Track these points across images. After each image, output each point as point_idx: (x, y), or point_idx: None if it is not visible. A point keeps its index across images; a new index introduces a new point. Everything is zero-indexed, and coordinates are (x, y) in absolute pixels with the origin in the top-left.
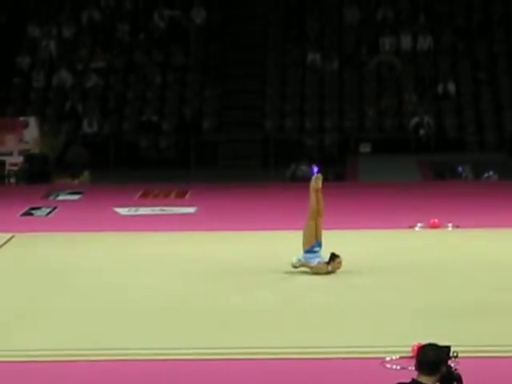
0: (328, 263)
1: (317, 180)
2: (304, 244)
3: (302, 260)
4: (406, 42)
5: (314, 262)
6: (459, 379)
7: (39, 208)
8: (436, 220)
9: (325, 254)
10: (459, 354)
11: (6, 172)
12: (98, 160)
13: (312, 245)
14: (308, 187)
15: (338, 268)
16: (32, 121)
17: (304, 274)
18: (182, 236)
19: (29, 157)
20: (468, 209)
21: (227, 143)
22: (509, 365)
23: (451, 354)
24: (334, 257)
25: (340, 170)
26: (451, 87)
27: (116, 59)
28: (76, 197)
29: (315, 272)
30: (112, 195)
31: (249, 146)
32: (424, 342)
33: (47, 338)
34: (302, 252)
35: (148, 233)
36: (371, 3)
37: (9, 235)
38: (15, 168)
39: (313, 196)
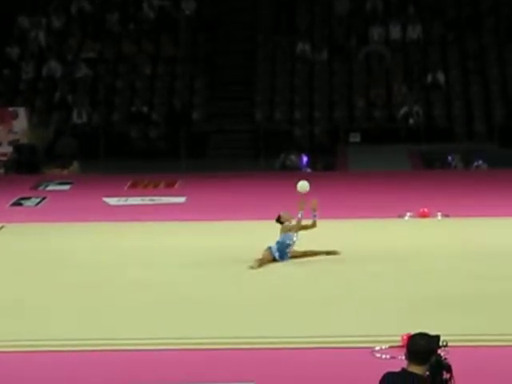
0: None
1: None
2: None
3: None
4: (395, 32)
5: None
6: (449, 368)
7: (29, 198)
8: (425, 209)
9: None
10: (448, 344)
11: None
12: (87, 150)
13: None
14: (298, 177)
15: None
16: (21, 111)
17: (294, 264)
18: (171, 226)
19: (18, 147)
20: (457, 198)
21: (217, 134)
22: (497, 353)
23: (441, 344)
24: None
25: (330, 160)
26: (440, 77)
27: (106, 49)
28: (66, 187)
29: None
30: (101, 185)
31: (239, 136)
32: (413, 331)
33: (36, 328)
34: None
35: (137, 223)
36: None
37: None
38: (4, 158)
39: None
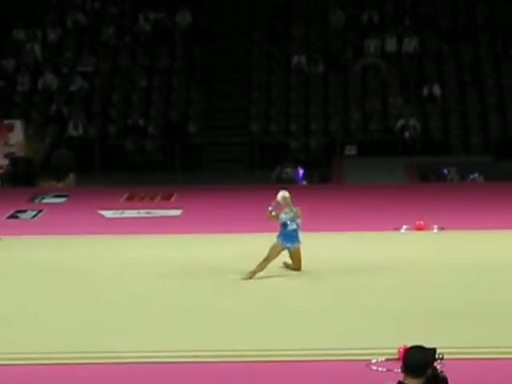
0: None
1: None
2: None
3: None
4: (391, 44)
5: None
6: (445, 381)
7: (25, 211)
8: (422, 222)
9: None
10: (444, 356)
11: None
12: (83, 163)
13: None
14: (293, 189)
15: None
16: (17, 124)
17: (290, 277)
18: (167, 238)
19: (14, 160)
20: (453, 211)
21: (213, 146)
22: (494, 366)
23: (437, 356)
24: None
25: (325, 173)
26: (436, 90)
27: (101, 62)
28: (62, 200)
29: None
30: (97, 198)
31: (234, 148)
32: (410, 344)
33: (33, 340)
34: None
35: (133, 235)
36: (356, 6)
37: None
38: (0, 171)
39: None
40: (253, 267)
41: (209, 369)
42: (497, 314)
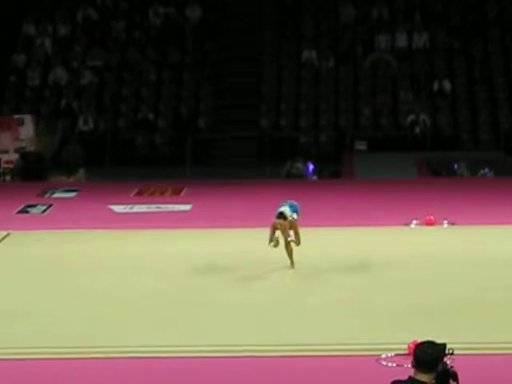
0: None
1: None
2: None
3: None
4: (401, 39)
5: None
6: (455, 376)
7: (35, 205)
8: (432, 217)
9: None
10: (455, 351)
11: (1, 170)
12: (93, 157)
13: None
14: (304, 185)
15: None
16: (27, 119)
17: (300, 271)
18: (177, 233)
19: (24, 154)
20: (464, 206)
21: (223, 141)
22: (503, 361)
23: (447, 352)
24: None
25: (335, 168)
26: (446, 85)
27: (111, 56)
28: (72, 194)
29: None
30: (107, 193)
31: (244, 143)
32: (420, 339)
33: (43, 335)
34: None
35: (144, 230)
36: (366, 1)
37: (5, 233)
38: (11, 166)
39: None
40: (263, 261)
41: (219, 363)
42: (508, 309)
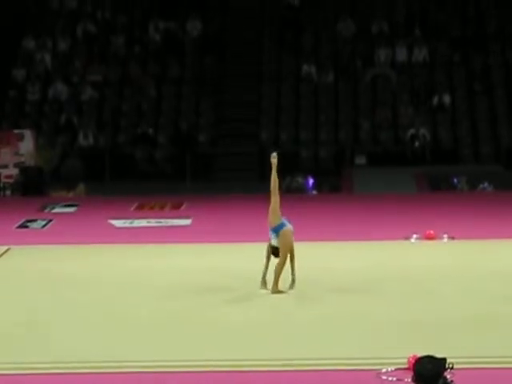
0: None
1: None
2: (272, 221)
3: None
4: (401, 53)
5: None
6: None
7: (35, 220)
8: (431, 231)
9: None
10: (455, 366)
11: (1, 184)
12: (93, 172)
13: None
14: (303, 199)
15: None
16: (27, 133)
17: (298, 287)
18: (177, 248)
19: (24, 169)
20: (463, 220)
21: (223, 155)
22: (504, 375)
23: (447, 366)
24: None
25: (335, 182)
26: (446, 99)
27: (111, 71)
28: (71, 209)
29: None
30: (107, 207)
31: (244, 158)
32: (420, 353)
33: (44, 350)
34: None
35: (143, 245)
36: (366, 16)
37: (4, 248)
38: (10, 180)
39: (274, 172)
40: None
41: (225, 378)
42: (509, 324)
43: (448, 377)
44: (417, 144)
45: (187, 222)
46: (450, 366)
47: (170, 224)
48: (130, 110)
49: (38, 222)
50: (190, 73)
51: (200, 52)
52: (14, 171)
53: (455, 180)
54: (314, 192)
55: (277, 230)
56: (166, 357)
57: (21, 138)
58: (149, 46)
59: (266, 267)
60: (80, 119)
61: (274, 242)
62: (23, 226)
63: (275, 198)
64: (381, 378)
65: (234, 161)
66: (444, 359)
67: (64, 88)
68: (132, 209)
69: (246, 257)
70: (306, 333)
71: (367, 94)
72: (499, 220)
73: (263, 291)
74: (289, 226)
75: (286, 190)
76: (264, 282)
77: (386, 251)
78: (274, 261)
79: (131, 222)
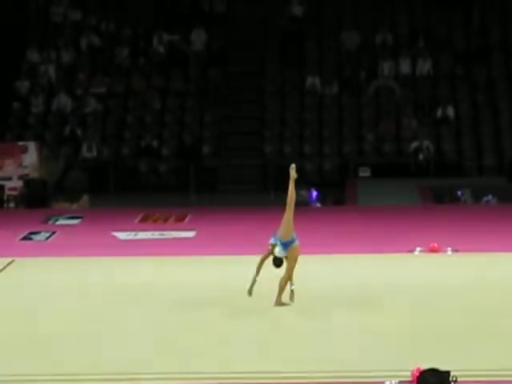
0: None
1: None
2: (284, 235)
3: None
4: (404, 66)
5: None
6: None
7: (39, 232)
8: (435, 244)
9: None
10: (458, 379)
11: (5, 197)
12: (97, 184)
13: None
14: (307, 211)
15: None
16: (31, 145)
17: (301, 299)
18: (181, 260)
19: (28, 181)
20: (467, 233)
21: (227, 168)
22: None
23: (451, 379)
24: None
25: (339, 195)
26: (450, 111)
27: (115, 84)
28: (75, 221)
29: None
30: (111, 220)
31: (248, 170)
32: (424, 366)
33: (46, 363)
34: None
35: (147, 257)
36: (370, 28)
37: (8, 259)
38: (14, 193)
39: (292, 186)
40: (267, 289)
41: None
42: (510, 337)
43: None
44: (421, 156)
45: (191, 234)
46: (454, 378)
47: (173, 236)
48: (133, 122)
49: (42, 234)
50: (194, 85)
51: (204, 64)
52: (18, 183)
53: (459, 193)
54: (318, 204)
55: (288, 244)
56: (164, 369)
57: (25, 150)
58: (153, 59)
59: (256, 276)
60: (84, 131)
61: (280, 254)
62: (27, 238)
63: (290, 211)
64: None
65: (238, 173)
66: (448, 372)
67: (68, 100)
68: (136, 221)
69: (251, 269)
70: (309, 346)
71: (371, 106)
72: (503, 233)
73: (265, 304)
74: (297, 242)
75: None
76: (251, 291)
77: (390, 264)
78: (267, 272)
79: (135, 235)
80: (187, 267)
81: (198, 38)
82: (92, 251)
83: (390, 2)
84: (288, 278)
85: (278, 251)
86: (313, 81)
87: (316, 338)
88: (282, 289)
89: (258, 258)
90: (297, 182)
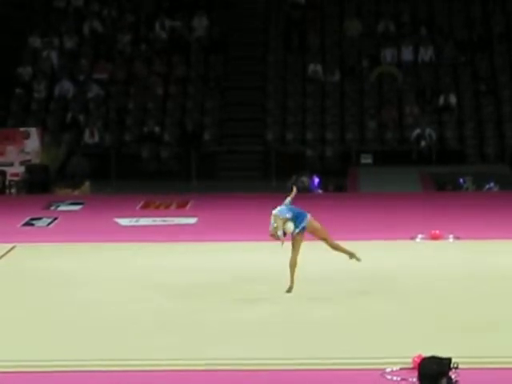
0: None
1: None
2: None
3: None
4: (407, 53)
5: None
6: None
7: (40, 218)
8: (437, 231)
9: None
10: (459, 366)
11: (7, 182)
12: (99, 170)
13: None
14: (309, 198)
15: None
16: (33, 131)
17: (304, 286)
18: (182, 247)
19: (30, 167)
20: (469, 220)
21: (228, 155)
22: (509, 376)
23: (452, 366)
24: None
25: (341, 182)
26: (452, 99)
27: (117, 70)
28: (77, 207)
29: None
30: (113, 206)
31: (250, 157)
32: (425, 353)
33: (46, 348)
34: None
35: (149, 243)
36: (372, 16)
37: (10, 246)
38: (16, 178)
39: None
40: (269, 275)
41: (228, 378)
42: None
43: (453, 376)
44: (423, 144)
45: (193, 220)
46: (455, 365)
47: (175, 222)
48: (135, 108)
49: (44, 219)
50: (196, 72)
51: (206, 51)
52: (20, 169)
53: (461, 180)
54: (320, 191)
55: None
56: (170, 355)
57: (27, 136)
58: (155, 45)
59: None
60: (86, 117)
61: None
62: (28, 223)
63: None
64: (386, 377)
65: (240, 160)
66: (449, 359)
67: (70, 86)
68: (138, 207)
69: (252, 255)
70: (310, 332)
71: (373, 93)
72: (505, 220)
73: (265, 289)
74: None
75: (291, 190)
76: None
77: (392, 251)
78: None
79: (137, 221)
80: (189, 253)
81: (200, 24)
82: (94, 237)
83: None
84: (294, 261)
85: (289, 226)
86: (315, 68)
87: (317, 325)
88: (292, 270)
89: (259, 244)
90: (299, 168)
